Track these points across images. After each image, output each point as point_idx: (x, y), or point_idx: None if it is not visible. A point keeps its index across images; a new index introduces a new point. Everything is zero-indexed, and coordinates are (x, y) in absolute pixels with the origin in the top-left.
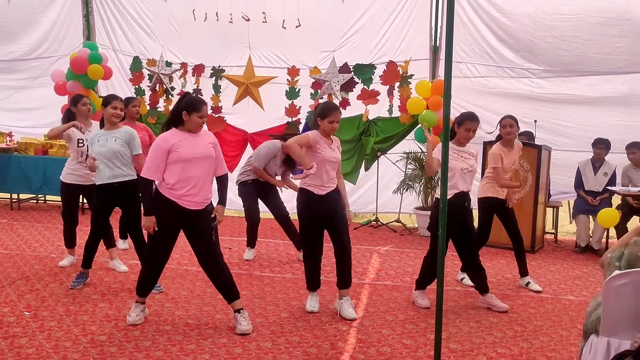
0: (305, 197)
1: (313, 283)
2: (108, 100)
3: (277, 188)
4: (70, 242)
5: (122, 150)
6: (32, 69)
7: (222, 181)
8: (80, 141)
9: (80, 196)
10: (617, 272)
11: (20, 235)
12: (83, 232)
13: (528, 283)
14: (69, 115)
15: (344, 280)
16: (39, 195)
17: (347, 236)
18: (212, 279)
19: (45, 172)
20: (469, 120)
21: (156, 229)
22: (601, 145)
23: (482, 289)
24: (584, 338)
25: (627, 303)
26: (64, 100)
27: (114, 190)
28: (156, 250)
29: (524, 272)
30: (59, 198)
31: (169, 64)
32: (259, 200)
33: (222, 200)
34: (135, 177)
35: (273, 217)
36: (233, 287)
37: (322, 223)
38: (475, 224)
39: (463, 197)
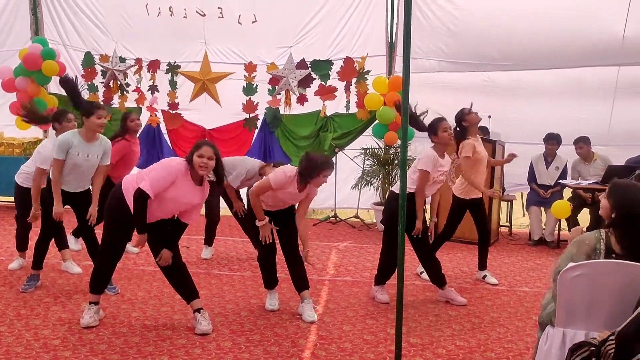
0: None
1: (270, 281)
2: (90, 109)
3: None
4: (23, 245)
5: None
6: None
7: (182, 227)
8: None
9: None
10: (571, 264)
11: None
12: (34, 233)
13: (485, 276)
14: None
15: (301, 283)
16: None
17: (296, 248)
18: (169, 278)
19: None
20: (442, 121)
21: (146, 245)
22: (552, 141)
23: (439, 282)
24: (540, 329)
25: (581, 294)
26: (13, 97)
27: (74, 195)
28: (115, 246)
29: (483, 265)
30: (4, 198)
31: (122, 60)
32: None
33: (173, 244)
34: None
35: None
36: (191, 287)
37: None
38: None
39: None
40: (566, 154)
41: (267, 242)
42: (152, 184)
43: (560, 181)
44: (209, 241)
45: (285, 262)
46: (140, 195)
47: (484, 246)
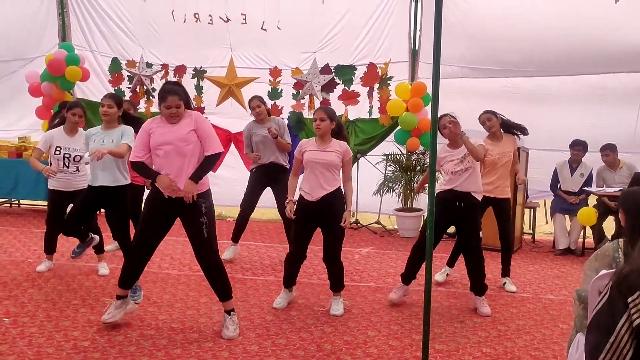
0: (298, 204)
1: (289, 280)
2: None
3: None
4: (50, 248)
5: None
6: (4, 70)
7: (205, 160)
8: (58, 149)
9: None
10: (603, 271)
11: None
12: (64, 239)
13: (505, 284)
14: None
15: (335, 283)
16: (13, 199)
17: (336, 248)
18: (205, 274)
19: (18, 176)
20: (441, 118)
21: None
22: (578, 147)
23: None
24: (574, 333)
25: None
26: (38, 102)
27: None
28: (141, 238)
29: (506, 272)
30: (33, 202)
31: (149, 65)
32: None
33: (192, 177)
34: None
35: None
36: (226, 286)
37: (312, 228)
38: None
39: (451, 193)
40: (591, 161)
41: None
42: (134, 149)
43: (586, 188)
44: (235, 238)
45: (323, 260)
46: (133, 164)
47: (506, 253)
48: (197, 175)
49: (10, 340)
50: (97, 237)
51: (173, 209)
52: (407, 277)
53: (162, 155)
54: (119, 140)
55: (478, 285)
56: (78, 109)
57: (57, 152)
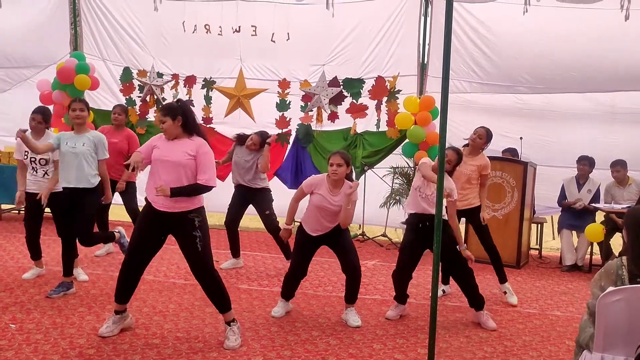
0: (299, 231)
1: (286, 294)
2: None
3: (266, 194)
4: (35, 253)
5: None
6: (17, 77)
7: (193, 184)
8: (26, 152)
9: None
10: (611, 288)
11: (2, 247)
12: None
13: (505, 293)
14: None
15: (349, 296)
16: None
17: (352, 257)
18: (202, 286)
19: None
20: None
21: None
22: (584, 162)
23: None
24: (577, 351)
25: (620, 319)
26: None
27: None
28: (131, 253)
29: (502, 279)
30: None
31: (160, 75)
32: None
33: (173, 189)
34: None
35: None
36: (224, 298)
37: (314, 249)
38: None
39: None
40: (598, 178)
41: (287, 242)
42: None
43: (594, 204)
44: (231, 251)
45: (343, 272)
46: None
47: (495, 262)
48: (178, 190)
49: (17, 347)
50: (74, 288)
51: (165, 226)
52: (400, 297)
53: (156, 168)
54: (90, 146)
55: (474, 299)
56: (36, 114)
57: (26, 157)
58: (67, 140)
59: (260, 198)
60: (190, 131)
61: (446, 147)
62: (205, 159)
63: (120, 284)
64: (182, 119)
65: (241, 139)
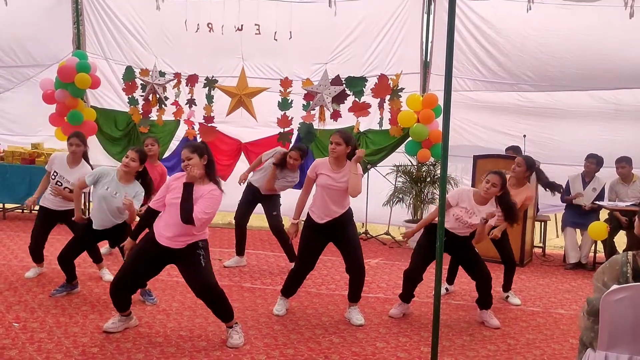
0: (307, 221)
1: (288, 291)
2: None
3: (277, 197)
4: (37, 258)
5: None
6: (20, 76)
7: (183, 200)
8: (55, 174)
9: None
10: (615, 286)
11: (6, 246)
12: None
13: (507, 297)
14: None
15: (352, 294)
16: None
17: (358, 255)
18: (208, 305)
19: (31, 182)
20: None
21: None
22: (592, 160)
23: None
24: (581, 348)
25: (624, 317)
26: (52, 108)
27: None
28: (125, 271)
29: (507, 288)
30: None
31: (162, 74)
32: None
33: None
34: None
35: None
36: (228, 310)
37: (322, 245)
38: None
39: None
40: (604, 176)
41: (293, 239)
42: (155, 197)
43: (598, 202)
44: (236, 249)
45: (346, 271)
46: (148, 208)
47: (509, 271)
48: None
49: (20, 346)
50: (78, 288)
51: (167, 258)
52: (406, 296)
53: (169, 206)
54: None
55: (486, 298)
56: (74, 138)
57: (53, 177)
58: (107, 185)
59: (270, 200)
60: (212, 172)
61: (491, 171)
62: (210, 198)
63: (114, 300)
64: (208, 158)
65: (281, 162)
